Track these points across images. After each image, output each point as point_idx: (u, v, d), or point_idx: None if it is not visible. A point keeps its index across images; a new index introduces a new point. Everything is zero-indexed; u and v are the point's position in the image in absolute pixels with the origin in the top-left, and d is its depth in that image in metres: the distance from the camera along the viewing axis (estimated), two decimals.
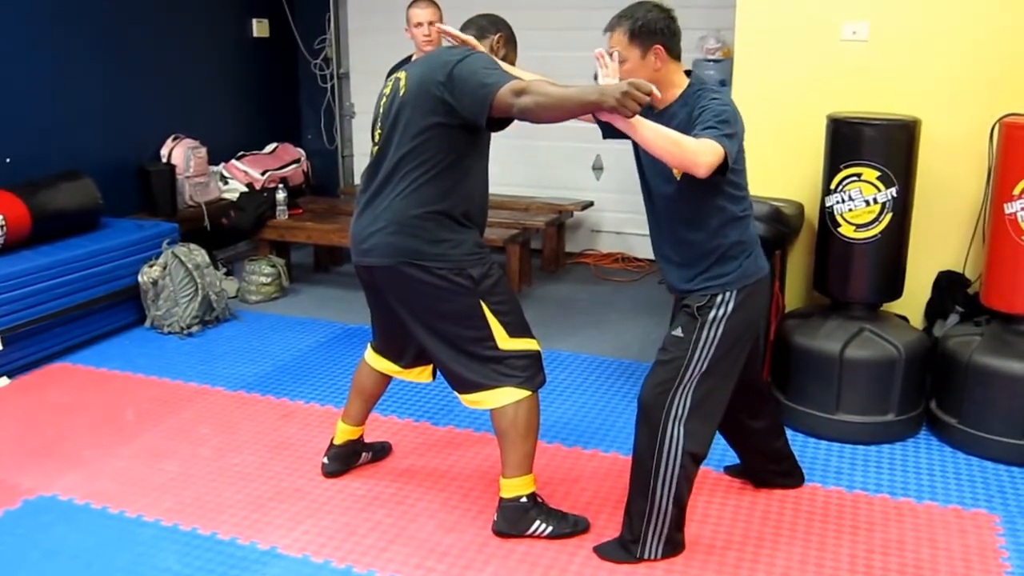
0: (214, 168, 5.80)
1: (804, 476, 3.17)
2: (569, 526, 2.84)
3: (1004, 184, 3.32)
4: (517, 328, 2.78)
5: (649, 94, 2.26)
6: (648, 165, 2.64)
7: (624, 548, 2.71)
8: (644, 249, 6.03)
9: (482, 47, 2.84)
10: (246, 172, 5.91)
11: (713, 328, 2.57)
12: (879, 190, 3.39)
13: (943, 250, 3.77)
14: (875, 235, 3.43)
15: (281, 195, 5.55)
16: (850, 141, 3.43)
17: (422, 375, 3.09)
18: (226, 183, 5.85)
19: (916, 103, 3.60)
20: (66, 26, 4.99)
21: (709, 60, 5.11)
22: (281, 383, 4.07)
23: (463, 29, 2.94)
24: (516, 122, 4.88)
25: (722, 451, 3.31)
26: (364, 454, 3.29)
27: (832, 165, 3.48)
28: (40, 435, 3.57)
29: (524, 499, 2.81)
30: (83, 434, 3.58)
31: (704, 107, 2.47)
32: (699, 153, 2.32)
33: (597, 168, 6.16)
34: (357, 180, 6.93)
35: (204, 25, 5.97)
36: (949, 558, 2.74)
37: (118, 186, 5.20)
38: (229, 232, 5.61)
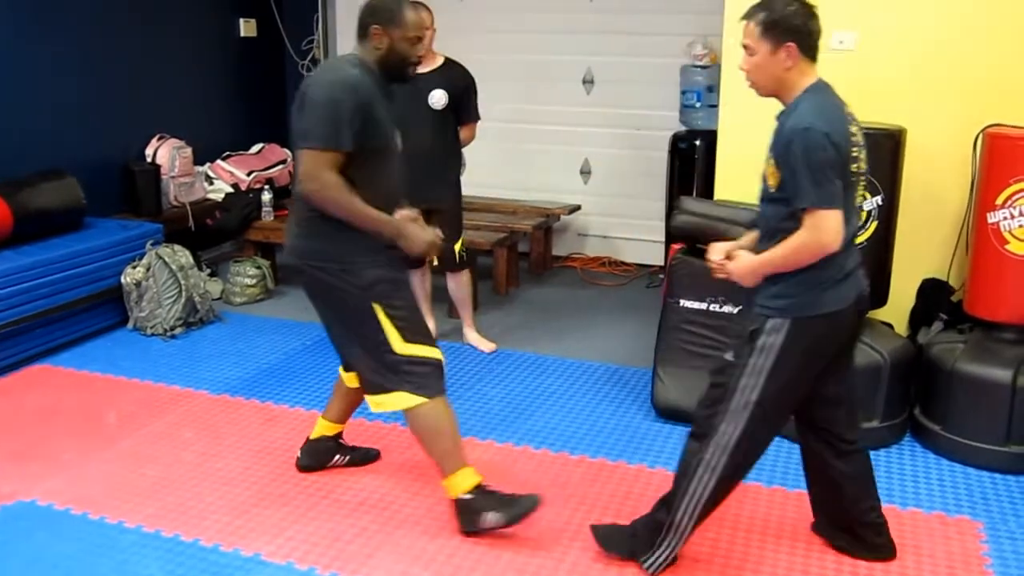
0: (199, 168, 5.75)
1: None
2: (521, 508, 2.82)
3: (987, 193, 3.34)
4: (414, 334, 2.79)
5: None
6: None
7: (629, 544, 2.69)
8: (631, 253, 6.05)
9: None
10: (232, 172, 5.87)
11: (763, 356, 2.44)
12: (865, 198, 3.39)
13: (927, 258, 3.79)
14: (861, 243, 3.44)
15: (267, 196, 5.52)
16: None
17: (355, 379, 3.07)
18: (211, 183, 5.81)
19: (901, 112, 3.62)
20: (50, 24, 4.94)
21: (697, 66, 5.12)
22: (266, 387, 4.05)
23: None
24: (503, 124, 4.82)
25: None
26: (339, 456, 3.28)
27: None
28: (20, 438, 3.53)
29: (466, 496, 2.83)
30: (64, 438, 3.54)
31: (789, 147, 2.32)
32: (817, 245, 2.31)
33: (585, 172, 6.16)
34: None
35: (191, 24, 5.93)
36: (933, 564, 2.75)
37: (102, 186, 5.15)
38: (214, 233, 5.57)
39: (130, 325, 4.72)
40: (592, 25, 5.87)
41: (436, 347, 2.86)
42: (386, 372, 2.79)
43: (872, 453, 3.41)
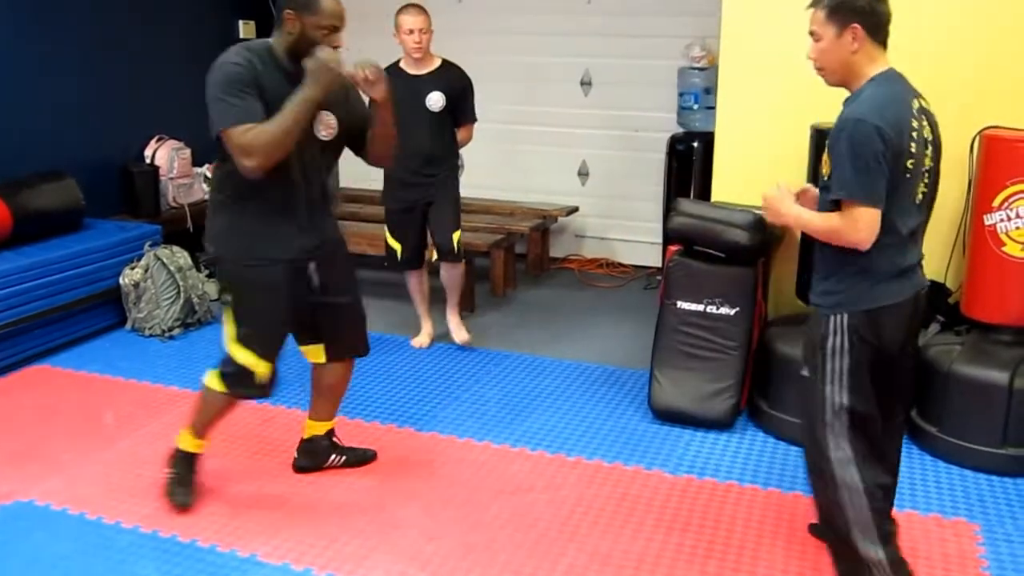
0: (198, 169, 5.75)
1: None
2: (173, 496, 3.04)
3: (984, 196, 3.34)
4: (258, 338, 2.87)
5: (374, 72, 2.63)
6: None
7: None
8: (628, 255, 6.06)
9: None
10: None
11: (836, 359, 2.38)
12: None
13: (925, 260, 3.77)
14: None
15: None
16: None
17: (315, 354, 3.18)
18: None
19: None
20: (49, 25, 4.95)
21: (695, 68, 5.13)
22: None
23: None
24: (501, 126, 4.80)
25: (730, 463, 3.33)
26: (335, 456, 3.29)
27: (815, 175, 3.49)
28: (18, 439, 3.53)
29: (187, 452, 3.08)
30: (62, 438, 3.54)
31: (838, 136, 2.30)
32: (850, 233, 2.29)
33: (582, 174, 6.17)
34: (342, 183, 6.92)
35: (190, 25, 5.93)
36: (930, 566, 2.75)
37: (101, 187, 5.16)
38: None
39: (128, 326, 4.72)
40: (590, 27, 5.87)
41: (266, 362, 2.90)
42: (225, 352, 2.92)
43: None
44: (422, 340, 4.59)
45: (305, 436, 3.28)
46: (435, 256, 4.46)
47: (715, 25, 4.05)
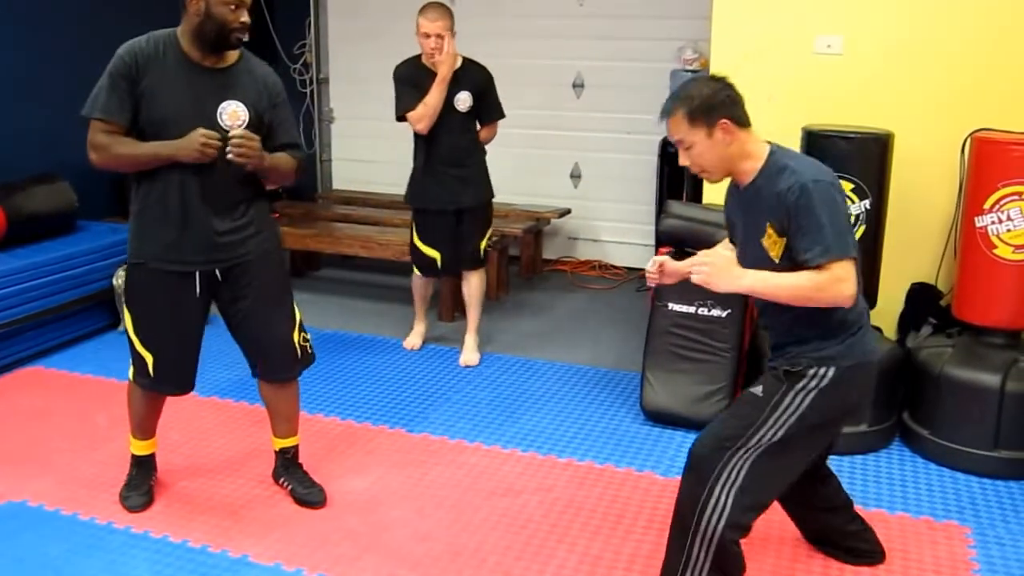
0: None
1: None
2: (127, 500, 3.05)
3: (975, 198, 3.35)
4: (142, 331, 2.91)
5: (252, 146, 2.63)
6: (743, 243, 2.48)
7: None
8: (621, 257, 6.06)
9: None
10: None
11: (799, 397, 2.33)
12: (853, 202, 3.41)
13: (916, 262, 3.80)
14: None
15: None
16: (825, 154, 3.42)
17: None
18: None
19: (889, 117, 3.64)
20: (41, 26, 4.94)
21: (687, 70, 5.15)
22: (254, 388, 3.97)
23: None
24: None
25: None
26: (283, 479, 3.18)
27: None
28: (10, 440, 3.52)
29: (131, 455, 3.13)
30: (54, 439, 3.53)
31: (799, 203, 2.22)
32: (837, 292, 2.22)
33: (575, 176, 6.18)
34: (336, 185, 6.93)
35: None
36: (920, 569, 2.76)
37: (94, 189, 5.14)
38: None
39: (121, 328, 4.71)
40: (582, 30, 5.89)
41: (151, 353, 2.92)
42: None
43: (860, 458, 3.45)
44: (414, 341, 4.58)
45: (275, 448, 3.20)
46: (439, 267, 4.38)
47: (707, 28, 4.06)
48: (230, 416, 3.77)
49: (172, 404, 3.84)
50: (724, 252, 2.55)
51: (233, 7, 2.69)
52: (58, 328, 4.47)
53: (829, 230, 2.22)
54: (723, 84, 2.36)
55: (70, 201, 4.70)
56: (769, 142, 2.40)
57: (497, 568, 2.74)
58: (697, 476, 2.37)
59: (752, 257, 2.40)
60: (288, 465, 3.16)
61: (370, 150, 6.62)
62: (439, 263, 4.34)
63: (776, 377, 2.38)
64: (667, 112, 2.36)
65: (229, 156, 2.68)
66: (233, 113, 2.78)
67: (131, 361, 2.99)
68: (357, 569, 2.73)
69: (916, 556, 2.83)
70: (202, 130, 2.67)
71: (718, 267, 2.32)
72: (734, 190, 2.47)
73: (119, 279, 4.64)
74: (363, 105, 6.61)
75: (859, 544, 2.78)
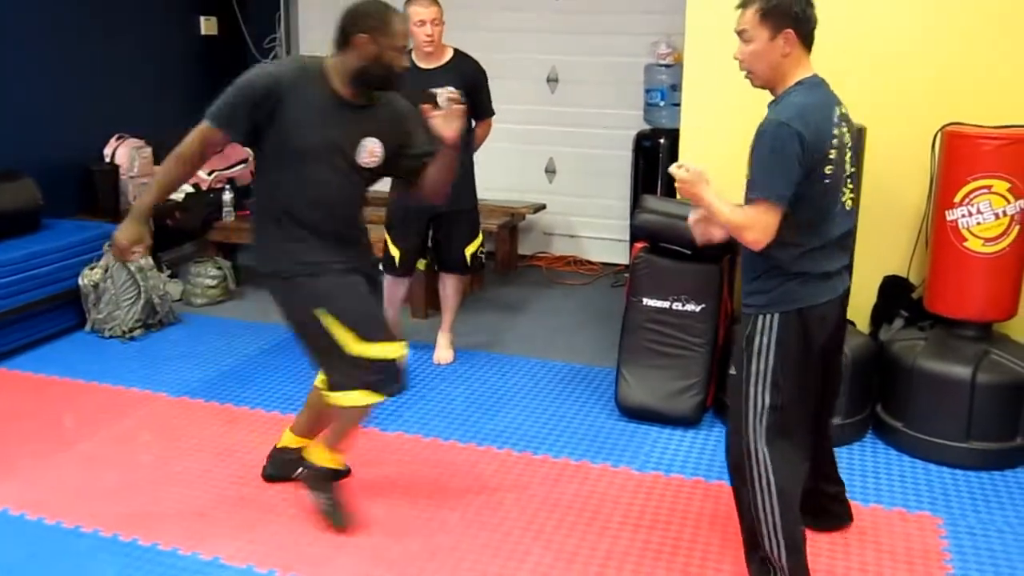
0: (159, 168, 5.67)
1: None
2: (332, 516, 2.90)
3: (946, 191, 3.37)
4: (370, 333, 2.73)
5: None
6: None
7: None
8: (596, 252, 6.05)
9: None
10: None
11: (761, 360, 2.41)
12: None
13: (888, 255, 3.82)
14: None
15: (228, 196, 5.46)
16: None
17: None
18: None
19: (861, 111, 3.62)
20: (6, 22, 4.84)
21: (661, 65, 5.14)
22: (226, 389, 3.99)
23: None
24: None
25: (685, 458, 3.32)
26: (303, 469, 3.16)
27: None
28: None
29: (325, 468, 2.94)
30: (19, 442, 3.46)
31: (760, 137, 2.32)
32: (744, 231, 2.30)
33: (550, 171, 6.16)
34: None
35: (151, 22, 5.84)
36: (893, 560, 2.77)
37: (59, 186, 5.05)
38: (174, 233, 5.49)
39: (88, 327, 4.64)
40: (556, 24, 5.87)
41: (394, 341, 2.79)
42: (344, 371, 2.75)
43: (835, 450, 3.45)
44: None
45: (279, 445, 3.18)
46: (436, 266, 4.31)
47: (681, 22, 4.05)
48: (201, 416, 3.72)
49: (144, 405, 3.81)
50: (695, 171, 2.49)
51: (400, 52, 2.70)
52: (23, 328, 4.38)
53: (762, 172, 2.29)
54: (807, 1, 2.36)
55: (34, 198, 4.61)
56: (816, 75, 2.41)
57: (474, 567, 2.71)
58: (738, 477, 2.49)
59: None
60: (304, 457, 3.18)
61: None
62: (397, 262, 4.17)
63: (739, 350, 2.47)
64: (744, 3, 2.38)
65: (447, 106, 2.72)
66: (371, 151, 2.78)
67: (372, 381, 2.75)
68: (331, 569, 2.69)
69: (889, 547, 2.84)
70: (129, 238, 2.78)
71: (695, 172, 2.39)
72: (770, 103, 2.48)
73: (86, 278, 4.57)
74: None
75: (834, 507, 2.87)
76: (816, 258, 2.40)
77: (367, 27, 2.63)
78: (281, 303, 2.83)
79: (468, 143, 4.19)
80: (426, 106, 2.75)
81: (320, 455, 2.95)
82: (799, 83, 2.38)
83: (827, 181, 2.35)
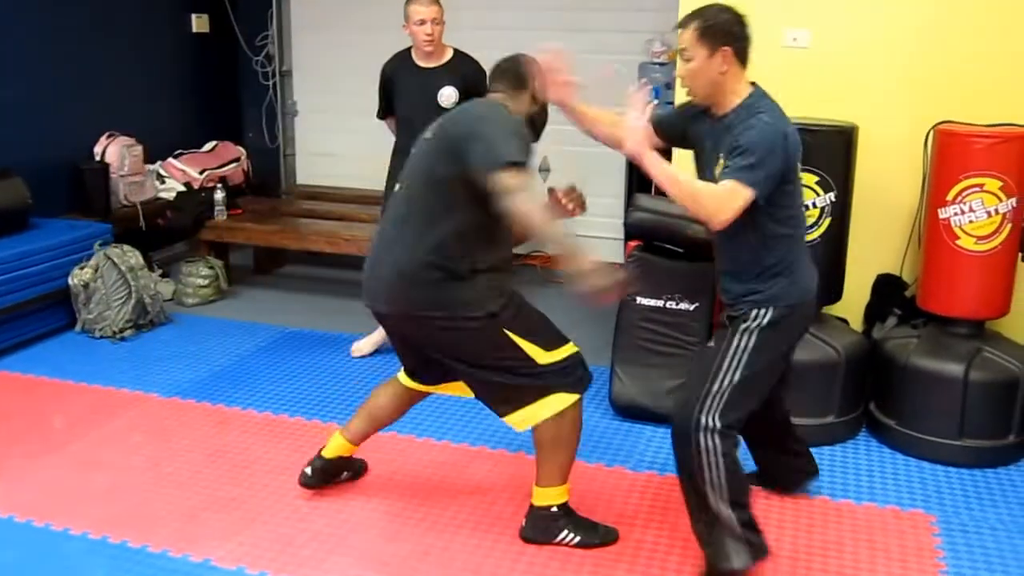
0: (150, 167, 5.64)
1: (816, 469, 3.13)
2: (598, 536, 2.81)
3: (938, 190, 3.37)
4: (551, 341, 2.73)
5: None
6: (700, 168, 2.67)
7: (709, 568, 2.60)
8: (591, 251, 6.02)
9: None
10: (184, 171, 5.77)
11: (745, 337, 2.54)
12: (818, 194, 3.42)
13: (881, 254, 3.82)
14: (815, 239, 3.46)
15: (220, 195, 5.43)
16: None
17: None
18: (163, 182, 5.70)
19: (854, 109, 3.64)
20: None
21: (655, 63, 5.13)
22: (218, 389, 3.97)
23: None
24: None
25: (661, 457, 3.31)
26: (347, 472, 3.14)
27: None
28: None
29: (555, 508, 2.78)
30: (8, 444, 3.44)
31: (744, 130, 2.43)
32: (716, 212, 2.38)
33: (544, 169, 6.13)
34: (300, 180, 6.84)
35: (142, 19, 5.81)
36: (887, 558, 2.77)
37: (49, 185, 5.02)
38: (166, 233, 5.47)
39: (78, 327, 4.61)
40: (551, 22, 5.84)
41: (569, 340, 2.80)
42: (533, 385, 2.67)
43: (828, 449, 3.46)
44: (361, 347, 4.40)
45: (329, 455, 3.03)
46: None
47: (675, 20, 4.03)
48: (192, 417, 3.70)
49: (134, 405, 3.79)
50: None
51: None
52: (12, 329, 4.35)
53: (744, 162, 2.38)
54: (740, 18, 2.52)
55: (23, 197, 4.58)
56: (755, 85, 2.57)
57: (466, 567, 2.70)
58: (682, 439, 2.54)
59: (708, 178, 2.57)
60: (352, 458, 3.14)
61: (334, 144, 6.54)
62: None
63: (723, 328, 2.61)
64: (683, 24, 2.53)
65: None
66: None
67: (566, 379, 2.69)
68: (323, 571, 2.68)
69: (883, 544, 2.84)
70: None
71: (637, 130, 2.49)
72: (706, 116, 2.61)
73: (76, 278, 4.54)
74: (327, 98, 6.53)
75: (803, 463, 3.08)
76: (800, 252, 2.60)
77: (525, 83, 2.77)
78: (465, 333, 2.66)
79: None
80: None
81: (551, 496, 2.78)
82: (756, 95, 2.54)
83: (797, 182, 2.56)
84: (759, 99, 2.52)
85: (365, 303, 2.77)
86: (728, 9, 2.53)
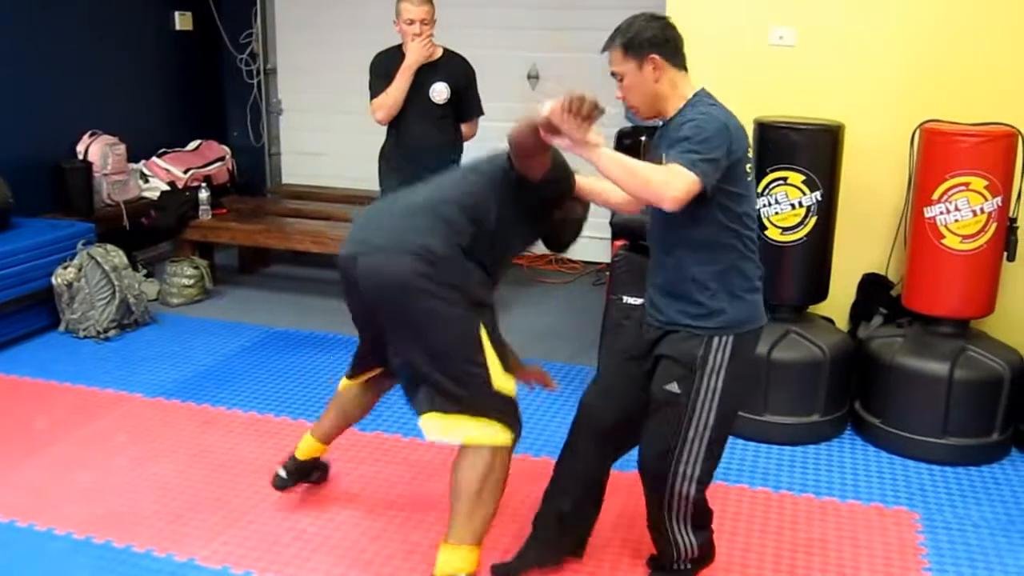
0: (134, 166, 5.60)
1: None
2: None
3: (924, 188, 3.39)
4: (507, 366, 2.54)
5: (595, 106, 2.17)
6: None
7: None
8: (578, 251, 5.98)
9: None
10: (168, 170, 5.73)
11: (713, 378, 2.36)
12: (804, 193, 3.43)
13: (867, 253, 3.83)
14: (801, 238, 3.47)
15: (204, 194, 5.40)
16: (776, 145, 3.47)
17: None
18: (147, 181, 5.67)
19: (841, 108, 3.65)
20: None
21: None
22: (202, 389, 3.95)
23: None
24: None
25: None
26: (317, 472, 3.10)
27: (759, 168, 3.51)
28: None
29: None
30: None
31: (688, 120, 2.30)
32: (664, 185, 2.17)
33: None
34: (285, 179, 6.81)
35: (124, 17, 5.77)
36: (870, 556, 2.78)
37: (30, 184, 4.98)
38: (150, 232, 5.43)
39: (61, 328, 4.57)
40: (536, 20, 5.84)
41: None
42: (477, 401, 2.45)
43: (813, 447, 3.48)
44: None
45: (302, 456, 2.98)
46: None
47: (665, 17, 4.04)
48: (176, 417, 3.67)
49: (118, 406, 3.76)
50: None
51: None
52: None
53: (693, 146, 2.22)
54: (663, 23, 2.41)
55: (4, 197, 4.54)
56: (702, 89, 2.43)
57: None
58: (655, 489, 2.45)
59: None
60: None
61: (320, 143, 6.52)
62: None
63: (683, 366, 2.37)
64: (607, 44, 2.43)
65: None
66: None
67: (508, 416, 2.47)
68: (308, 570, 2.67)
69: (866, 542, 2.85)
70: None
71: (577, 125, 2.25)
72: (652, 127, 2.51)
73: (59, 278, 4.51)
74: (312, 96, 6.51)
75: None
76: (754, 263, 2.42)
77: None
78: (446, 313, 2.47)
79: (456, 143, 4.19)
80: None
81: (462, 562, 2.43)
82: (698, 94, 2.40)
83: (748, 179, 2.39)
84: (704, 97, 2.40)
85: (346, 264, 2.62)
86: (647, 16, 2.43)
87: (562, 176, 2.66)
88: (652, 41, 2.36)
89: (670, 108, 2.41)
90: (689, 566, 2.61)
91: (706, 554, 2.64)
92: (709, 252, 2.36)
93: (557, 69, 5.88)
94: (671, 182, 2.18)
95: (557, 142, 2.30)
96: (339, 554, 2.75)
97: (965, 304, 3.40)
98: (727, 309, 2.36)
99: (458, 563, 2.42)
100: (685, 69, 2.44)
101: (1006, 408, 3.35)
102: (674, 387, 2.38)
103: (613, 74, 2.43)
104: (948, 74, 3.62)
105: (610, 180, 2.29)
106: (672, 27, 2.42)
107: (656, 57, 2.36)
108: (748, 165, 2.37)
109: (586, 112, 2.18)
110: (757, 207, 3.51)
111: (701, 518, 2.54)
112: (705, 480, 2.44)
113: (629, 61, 2.38)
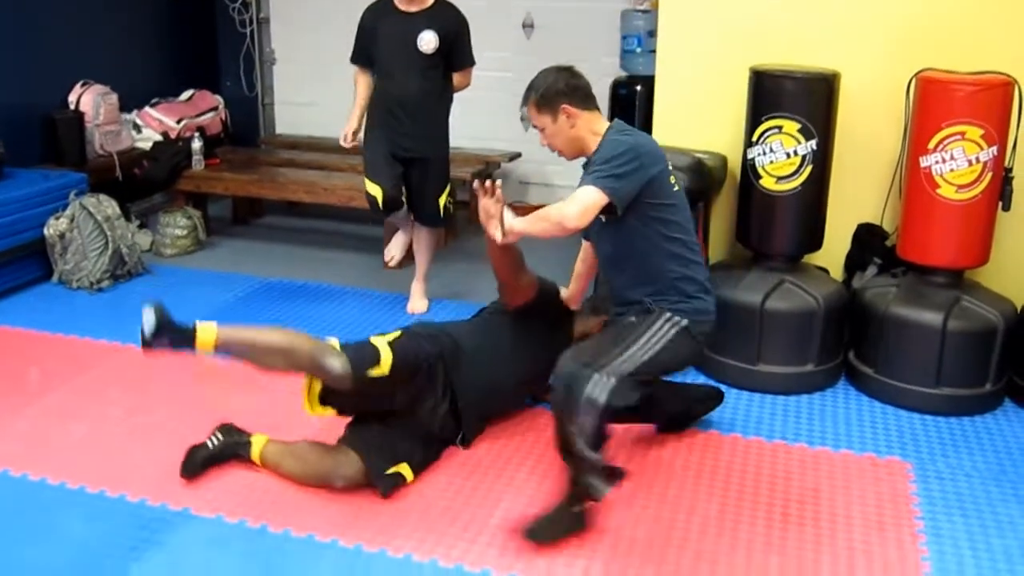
0: (126, 116, 5.55)
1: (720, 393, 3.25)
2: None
3: (920, 138, 3.35)
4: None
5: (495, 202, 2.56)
6: None
7: (572, 515, 2.60)
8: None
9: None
10: (160, 120, 5.67)
11: (668, 325, 2.64)
12: (799, 142, 3.39)
13: (862, 203, 3.81)
14: (795, 187, 3.45)
15: (197, 144, 5.35)
16: (771, 94, 3.43)
17: None
18: (140, 132, 5.61)
19: (836, 57, 3.60)
20: None
21: (638, 11, 5.05)
22: None
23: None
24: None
25: None
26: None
27: (754, 117, 3.48)
28: None
29: None
30: None
31: (599, 151, 2.62)
32: (559, 213, 2.50)
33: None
34: (279, 130, 6.74)
35: None
36: (863, 505, 2.80)
37: (22, 135, 4.93)
38: (142, 183, 5.39)
39: (54, 278, 4.56)
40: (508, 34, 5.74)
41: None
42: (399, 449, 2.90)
43: (807, 397, 3.48)
44: (394, 253, 4.34)
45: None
46: (412, 216, 4.23)
47: None
48: (169, 368, 3.66)
49: (112, 356, 3.76)
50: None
51: None
52: None
53: (598, 167, 2.55)
54: (566, 73, 2.71)
55: None
56: (615, 121, 2.74)
57: (445, 512, 2.72)
58: (571, 386, 2.48)
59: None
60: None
61: (313, 93, 6.44)
62: (380, 201, 4.01)
63: (646, 310, 2.67)
64: (523, 102, 2.74)
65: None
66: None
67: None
68: (300, 517, 2.68)
69: (859, 491, 2.87)
70: None
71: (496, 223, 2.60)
72: (586, 163, 2.75)
73: (52, 228, 4.48)
74: (305, 46, 6.42)
75: (700, 397, 3.21)
76: (700, 266, 2.74)
77: None
78: None
79: (444, 93, 4.13)
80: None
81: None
82: (615, 129, 2.70)
83: (676, 189, 2.70)
84: (616, 128, 2.69)
85: None
86: (554, 70, 2.72)
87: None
88: (561, 92, 2.67)
89: (590, 146, 2.70)
90: (605, 486, 2.59)
91: (615, 473, 2.63)
92: (658, 264, 2.67)
93: (551, 17, 5.79)
94: (564, 207, 2.49)
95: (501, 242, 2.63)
96: (332, 501, 2.76)
97: (960, 254, 3.39)
98: (683, 308, 2.67)
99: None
100: (597, 109, 2.74)
101: (999, 358, 3.35)
102: (632, 319, 2.67)
103: (534, 126, 2.72)
104: (944, 23, 3.56)
105: (538, 237, 2.58)
106: (577, 75, 2.72)
107: (567, 106, 2.66)
108: (671, 177, 2.68)
109: (492, 211, 2.54)
110: (751, 156, 3.49)
111: (597, 443, 2.52)
112: (614, 394, 2.46)
113: (545, 115, 2.69)
